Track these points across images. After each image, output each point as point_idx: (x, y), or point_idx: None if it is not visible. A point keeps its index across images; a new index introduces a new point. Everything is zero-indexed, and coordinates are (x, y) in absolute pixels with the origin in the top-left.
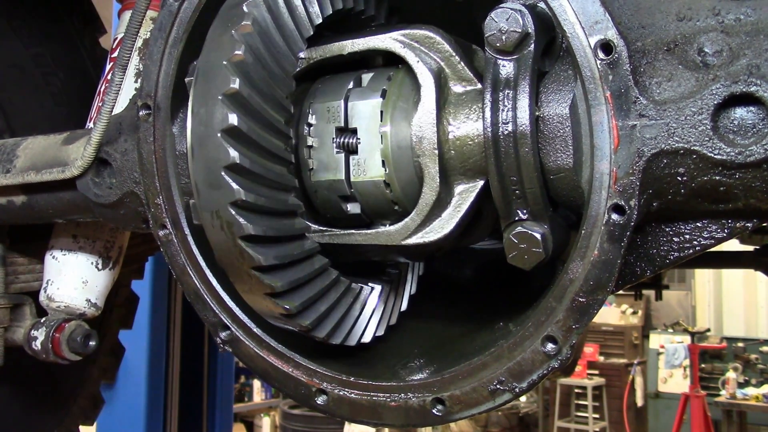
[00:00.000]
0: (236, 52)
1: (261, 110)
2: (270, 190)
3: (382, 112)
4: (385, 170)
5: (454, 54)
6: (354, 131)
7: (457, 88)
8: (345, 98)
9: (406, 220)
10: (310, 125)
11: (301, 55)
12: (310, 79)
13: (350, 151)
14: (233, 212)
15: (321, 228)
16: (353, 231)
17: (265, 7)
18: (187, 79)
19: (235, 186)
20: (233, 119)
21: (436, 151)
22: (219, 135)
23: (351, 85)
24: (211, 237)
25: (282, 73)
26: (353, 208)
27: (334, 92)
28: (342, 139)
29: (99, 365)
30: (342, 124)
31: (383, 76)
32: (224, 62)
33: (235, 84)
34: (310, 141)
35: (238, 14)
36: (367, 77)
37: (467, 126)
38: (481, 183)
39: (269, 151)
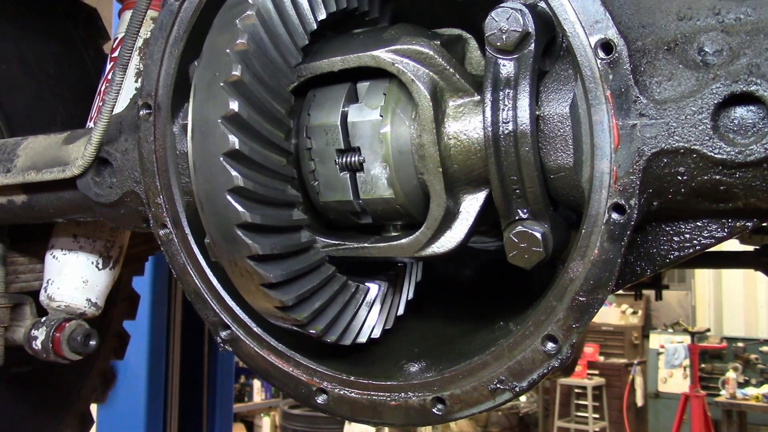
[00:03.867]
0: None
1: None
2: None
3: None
4: (391, 187)
5: (447, 66)
6: (356, 150)
7: (454, 100)
8: (342, 117)
9: (417, 234)
10: (309, 149)
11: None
12: (301, 93)
13: (355, 169)
14: (230, 198)
15: (334, 242)
16: (366, 244)
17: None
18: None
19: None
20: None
21: (440, 169)
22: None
23: (345, 99)
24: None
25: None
26: (365, 219)
27: (330, 110)
28: (345, 160)
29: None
30: (342, 146)
31: (379, 90)
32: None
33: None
34: (312, 165)
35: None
36: (362, 88)
37: (468, 138)
38: (486, 191)
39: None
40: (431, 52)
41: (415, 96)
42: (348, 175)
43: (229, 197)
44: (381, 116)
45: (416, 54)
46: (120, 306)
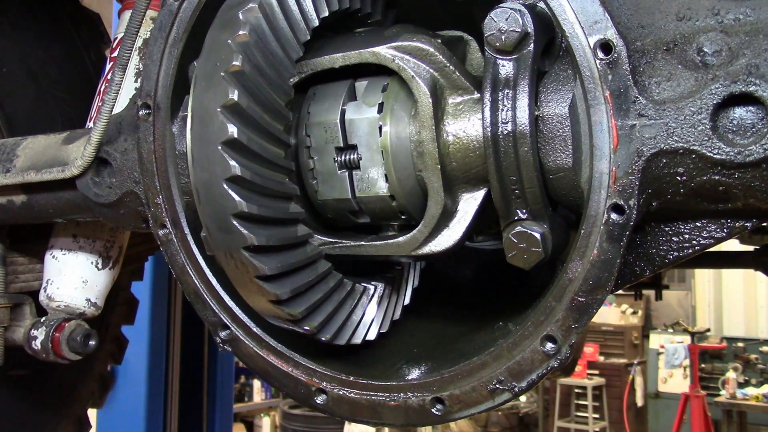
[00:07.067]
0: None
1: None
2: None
3: (380, 126)
4: (389, 184)
5: (448, 64)
6: (354, 147)
7: (454, 98)
8: (341, 114)
9: (414, 232)
10: (308, 147)
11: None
12: (302, 89)
13: (353, 167)
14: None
15: (331, 240)
16: (363, 243)
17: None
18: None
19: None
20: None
21: (438, 166)
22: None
23: (345, 96)
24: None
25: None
26: (363, 219)
27: (329, 107)
28: (343, 158)
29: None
30: (341, 144)
31: (377, 87)
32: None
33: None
34: (311, 163)
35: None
36: (361, 86)
37: (467, 136)
38: (484, 190)
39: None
40: (432, 49)
41: (415, 93)
42: (346, 173)
43: (226, 186)
44: (379, 113)
45: (417, 51)
46: (118, 310)
